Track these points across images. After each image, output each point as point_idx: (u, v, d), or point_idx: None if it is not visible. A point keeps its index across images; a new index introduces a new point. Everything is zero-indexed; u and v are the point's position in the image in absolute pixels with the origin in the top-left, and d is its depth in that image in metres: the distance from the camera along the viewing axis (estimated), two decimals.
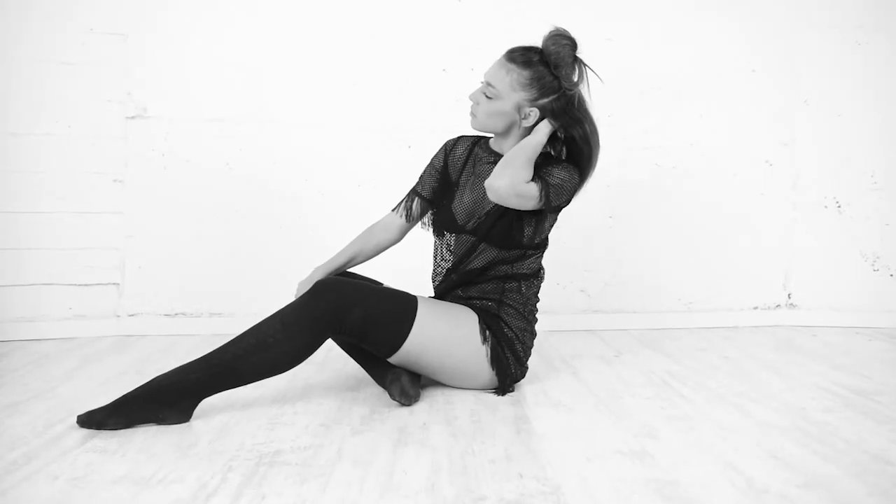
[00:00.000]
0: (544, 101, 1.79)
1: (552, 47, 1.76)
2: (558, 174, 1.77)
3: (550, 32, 1.79)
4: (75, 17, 2.55)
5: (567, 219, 2.76)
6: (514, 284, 1.85)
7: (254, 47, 2.66)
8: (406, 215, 2.00)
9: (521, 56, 1.78)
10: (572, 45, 1.78)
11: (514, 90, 1.78)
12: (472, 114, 1.85)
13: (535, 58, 1.78)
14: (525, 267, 1.87)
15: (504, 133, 1.86)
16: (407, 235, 2.07)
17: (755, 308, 2.92)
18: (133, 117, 2.60)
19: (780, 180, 2.92)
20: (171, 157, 2.63)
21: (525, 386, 1.93)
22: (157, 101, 2.61)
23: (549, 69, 1.78)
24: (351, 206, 2.72)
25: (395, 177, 2.73)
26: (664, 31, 2.84)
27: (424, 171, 2.02)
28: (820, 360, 2.29)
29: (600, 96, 2.80)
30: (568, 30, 1.80)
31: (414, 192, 2.01)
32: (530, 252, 1.87)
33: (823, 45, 2.89)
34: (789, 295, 2.93)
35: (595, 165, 1.88)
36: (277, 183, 2.68)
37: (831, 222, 2.92)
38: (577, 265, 2.84)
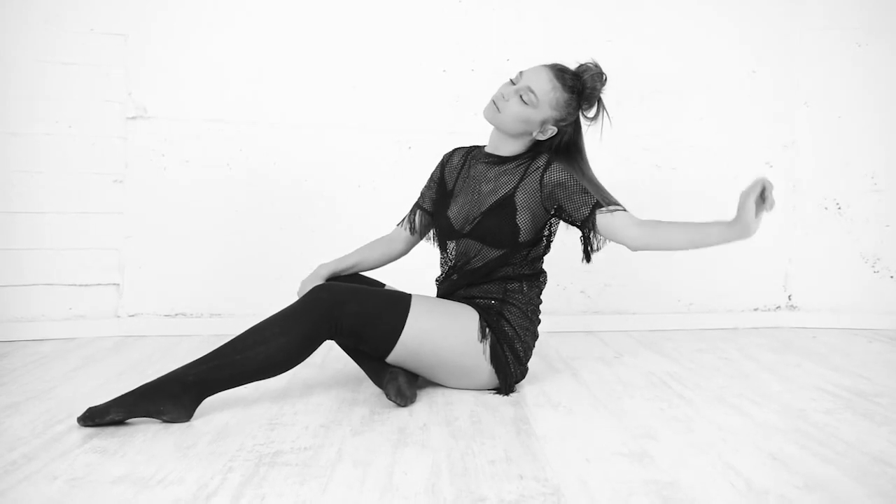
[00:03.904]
0: (563, 124, 1.84)
1: (590, 82, 1.81)
2: (577, 189, 1.78)
3: (590, 66, 1.82)
4: (75, 18, 2.55)
5: None
6: (517, 285, 1.86)
7: (254, 48, 2.67)
8: (410, 228, 2.04)
9: (563, 77, 1.81)
10: (605, 84, 1.84)
11: (550, 107, 1.80)
12: (496, 106, 1.82)
13: (575, 83, 1.82)
14: (527, 267, 1.88)
15: (513, 136, 1.86)
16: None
17: (755, 309, 2.92)
18: (133, 117, 2.60)
19: (781, 182, 2.92)
20: (171, 157, 2.63)
21: (525, 387, 1.93)
22: (158, 101, 2.62)
23: (579, 98, 1.82)
24: (350, 206, 2.72)
25: (394, 178, 2.74)
26: (664, 32, 2.85)
27: (425, 185, 2.07)
28: (820, 362, 2.29)
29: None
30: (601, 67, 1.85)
31: (416, 206, 2.05)
32: (532, 253, 1.87)
33: (823, 47, 2.90)
34: (789, 296, 2.93)
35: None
36: (277, 183, 2.69)
37: (831, 224, 2.92)
38: (577, 266, 2.83)
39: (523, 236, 1.84)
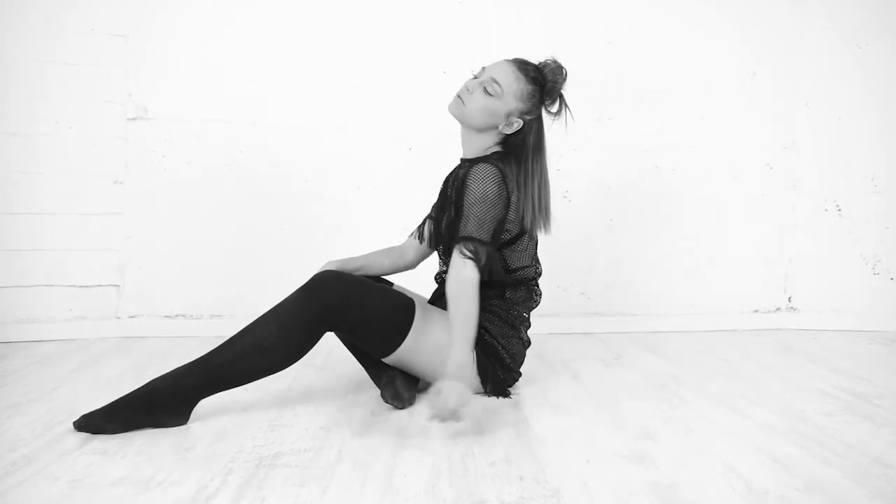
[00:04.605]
0: (528, 117, 1.84)
1: (550, 75, 1.82)
2: (463, 213, 1.71)
3: (550, 62, 1.84)
4: (76, 18, 2.55)
5: (567, 221, 2.77)
6: (494, 291, 1.83)
7: (254, 49, 2.67)
8: (419, 236, 2.03)
9: (525, 69, 1.82)
10: (565, 80, 1.85)
11: (515, 97, 1.80)
12: (461, 100, 1.81)
13: (538, 76, 1.82)
14: (500, 273, 1.81)
15: (480, 130, 1.85)
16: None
17: (755, 311, 2.92)
18: (133, 118, 2.60)
19: (781, 183, 2.92)
20: (171, 158, 2.63)
21: (525, 388, 1.93)
22: (158, 102, 2.62)
23: (541, 91, 1.83)
24: (351, 207, 2.72)
25: (395, 179, 2.73)
26: (664, 33, 2.85)
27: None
28: (820, 363, 2.29)
29: (600, 99, 2.82)
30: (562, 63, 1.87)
31: (427, 216, 2.05)
32: (504, 258, 1.82)
33: (824, 48, 2.90)
34: (789, 298, 2.93)
35: (540, 197, 1.83)
36: (277, 184, 2.69)
37: (831, 225, 2.92)
38: (578, 268, 2.84)
39: None
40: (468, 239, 1.69)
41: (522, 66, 1.82)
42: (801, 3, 2.89)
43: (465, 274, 1.66)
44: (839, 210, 2.91)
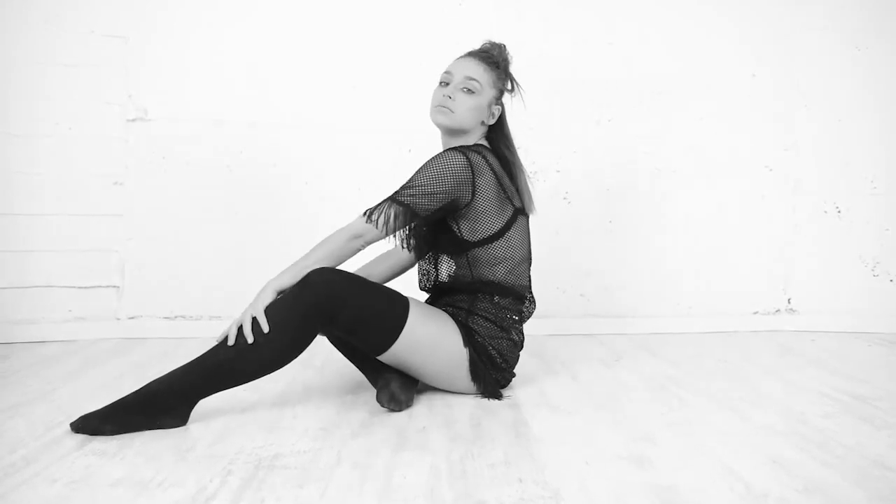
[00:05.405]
0: (500, 100, 1.91)
1: (500, 54, 1.90)
2: (410, 178, 1.76)
3: (488, 44, 1.91)
4: (76, 19, 2.55)
5: (567, 222, 2.77)
6: (482, 295, 1.82)
7: (254, 50, 2.67)
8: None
9: (484, 57, 1.88)
10: (511, 56, 1.94)
11: (490, 86, 1.87)
12: (448, 108, 1.82)
13: (494, 60, 1.89)
14: (482, 267, 1.81)
15: (467, 131, 1.87)
16: None
17: (755, 313, 2.92)
18: (134, 119, 2.61)
19: (780, 185, 2.92)
20: (171, 159, 2.63)
21: (524, 390, 1.93)
22: (158, 103, 2.62)
23: (503, 73, 1.91)
24: (351, 208, 2.71)
25: (395, 179, 2.73)
26: (664, 33, 2.85)
27: None
28: (819, 365, 2.29)
29: (600, 99, 2.82)
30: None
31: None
32: (480, 253, 1.81)
33: (824, 48, 2.89)
34: (789, 300, 2.93)
35: (519, 168, 1.91)
36: (277, 185, 2.69)
37: (831, 227, 2.91)
38: (577, 269, 2.84)
39: (468, 234, 1.80)
40: (388, 198, 1.73)
41: (481, 55, 1.89)
42: (801, 3, 2.89)
43: (352, 224, 1.72)
44: (839, 211, 2.91)
